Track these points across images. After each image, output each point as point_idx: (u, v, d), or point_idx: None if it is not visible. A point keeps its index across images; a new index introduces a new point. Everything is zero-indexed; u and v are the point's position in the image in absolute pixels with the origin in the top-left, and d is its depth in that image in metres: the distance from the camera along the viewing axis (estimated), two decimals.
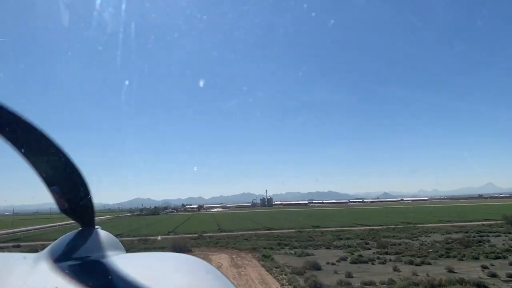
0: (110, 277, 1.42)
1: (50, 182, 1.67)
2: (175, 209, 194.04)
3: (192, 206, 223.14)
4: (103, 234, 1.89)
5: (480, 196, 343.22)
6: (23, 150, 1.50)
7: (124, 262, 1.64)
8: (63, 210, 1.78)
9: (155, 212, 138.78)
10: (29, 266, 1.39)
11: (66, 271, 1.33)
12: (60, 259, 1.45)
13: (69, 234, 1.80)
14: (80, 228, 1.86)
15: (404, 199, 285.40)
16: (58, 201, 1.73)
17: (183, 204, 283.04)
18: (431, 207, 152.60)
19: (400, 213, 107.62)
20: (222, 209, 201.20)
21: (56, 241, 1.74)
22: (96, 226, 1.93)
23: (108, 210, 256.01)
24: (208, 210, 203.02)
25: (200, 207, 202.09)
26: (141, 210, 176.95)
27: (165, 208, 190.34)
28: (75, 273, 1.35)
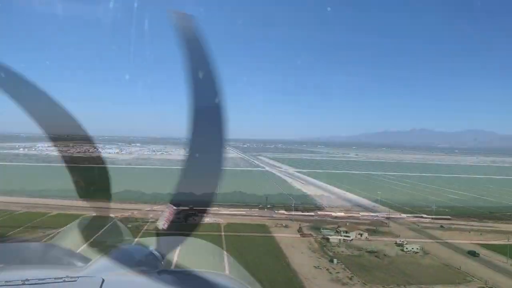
0: (122, 262, 1.45)
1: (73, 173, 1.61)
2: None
3: None
4: (112, 221, 1.88)
5: None
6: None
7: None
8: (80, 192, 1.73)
9: None
10: (44, 253, 1.36)
11: (79, 258, 1.32)
12: (72, 246, 1.43)
13: (80, 221, 1.77)
14: (92, 215, 1.79)
15: None
16: (76, 183, 1.68)
17: None
18: None
19: None
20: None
21: (67, 227, 1.70)
22: (110, 214, 1.88)
23: None
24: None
25: None
26: None
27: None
28: (87, 259, 1.34)
